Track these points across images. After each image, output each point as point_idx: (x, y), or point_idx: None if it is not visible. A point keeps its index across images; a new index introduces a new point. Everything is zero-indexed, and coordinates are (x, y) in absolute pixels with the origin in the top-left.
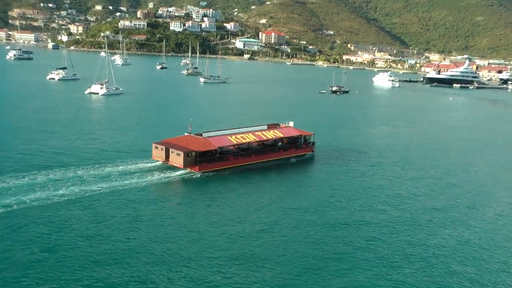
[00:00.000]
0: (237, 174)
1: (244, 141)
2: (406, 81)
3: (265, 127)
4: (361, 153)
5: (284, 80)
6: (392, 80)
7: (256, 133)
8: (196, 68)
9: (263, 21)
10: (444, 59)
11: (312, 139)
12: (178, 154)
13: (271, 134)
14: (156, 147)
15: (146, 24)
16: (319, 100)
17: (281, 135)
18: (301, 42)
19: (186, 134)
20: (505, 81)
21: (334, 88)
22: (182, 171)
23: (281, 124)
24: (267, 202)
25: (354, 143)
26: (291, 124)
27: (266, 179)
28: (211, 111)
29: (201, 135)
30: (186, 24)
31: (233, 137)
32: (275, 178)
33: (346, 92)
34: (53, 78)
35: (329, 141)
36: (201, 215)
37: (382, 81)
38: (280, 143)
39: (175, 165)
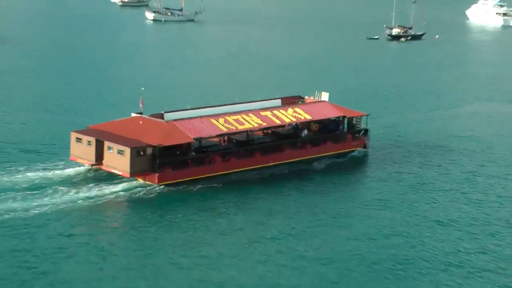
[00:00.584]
0: (228, 188)
1: (240, 128)
2: None
3: (279, 102)
4: (449, 151)
5: (302, 18)
6: (504, 14)
7: (263, 113)
8: None
9: None
10: None
11: (363, 124)
12: (120, 152)
13: (289, 115)
14: (79, 140)
15: None
16: (368, 54)
17: (308, 117)
18: None
19: (134, 115)
20: None
21: (396, 31)
22: (126, 184)
23: (306, 98)
24: (274, 247)
25: (435, 131)
26: (325, 96)
27: (278, 201)
28: (174, 75)
29: (162, 117)
30: None
31: (221, 120)
32: (293, 199)
33: (418, 37)
34: None
35: (390, 127)
36: (157, 273)
37: (484, 15)
38: (305, 132)
39: (115, 171)
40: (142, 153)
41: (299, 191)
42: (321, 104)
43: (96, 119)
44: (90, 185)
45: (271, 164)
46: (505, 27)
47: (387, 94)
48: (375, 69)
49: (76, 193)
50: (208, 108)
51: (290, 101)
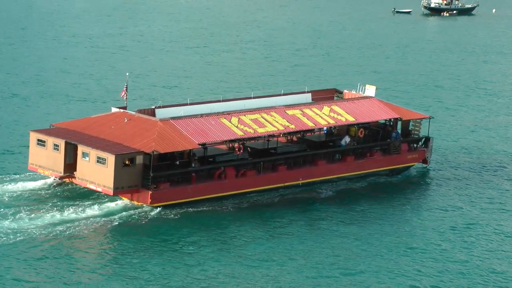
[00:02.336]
0: (246, 214)
1: (261, 131)
2: None
3: (308, 97)
4: None
5: None
6: None
7: (289, 112)
8: None
9: None
10: None
11: (423, 131)
12: (100, 160)
13: (325, 116)
14: (41, 143)
15: None
16: (399, 32)
17: (351, 119)
18: None
19: (115, 110)
20: None
21: (436, 2)
22: (106, 205)
23: (345, 91)
24: None
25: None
26: (371, 91)
27: (311, 235)
28: (162, 56)
29: (153, 113)
30: None
31: (234, 120)
32: (330, 229)
33: (467, 10)
34: None
35: (453, 134)
36: None
37: None
38: (346, 139)
39: (91, 187)
40: (130, 163)
41: (335, 220)
42: (367, 102)
43: (63, 115)
44: (56, 206)
45: (300, 181)
46: None
47: (435, 88)
48: (408, 55)
49: (34, 218)
50: (215, 103)
51: (323, 96)
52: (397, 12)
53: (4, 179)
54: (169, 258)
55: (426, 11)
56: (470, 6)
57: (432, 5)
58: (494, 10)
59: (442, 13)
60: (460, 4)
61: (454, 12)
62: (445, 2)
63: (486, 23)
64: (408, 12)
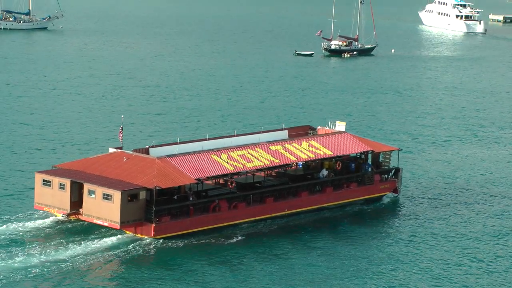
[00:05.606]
0: (243, 242)
1: (249, 166)
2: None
3: (285, 133)
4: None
5: (196, 26)
6: (466, 17)
7: (272, 147)
8: None
9: None
10: None
11: (393, 162)
12: (106, 197)
13: (305, 150)
14: (47, 183)
15: None
16: (304, 75)
17: (329, 152)
18: None
19: (113, 150)
20: None
21: (336, 44)
22: (112, 238)
23: (319, 128)
24: None
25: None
26: (341, 127)
27: (303, 257)
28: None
29: (147, 152)
30: None
31: (224, 156)
32: (322, 255)
33: (367, 51)
34: None
35: (415, 165)
36: None
37: (441, 19)
38: (324, 172)
39: (98, 222)
40: (134, 198)
41: (322, 246)
42: (341, 136)
43: (61, 157)
44: (64, 242)
45: (286, 212)
46: (469, 35)
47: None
48: (319, 94)
49: (44, 254)
50: (204, 141)
51: (298, 132)
52: (298, 54)
53: (11, 218)
54: (178, 284)
55: (326, 53)
56: (369, 46)
57: (333, 47)
58: (392, 50)
59: (343, 55)
60: (359, 45)
61: (355, 53)
62: (345, 43)
63: (384, 62)
64: (310, 55)
